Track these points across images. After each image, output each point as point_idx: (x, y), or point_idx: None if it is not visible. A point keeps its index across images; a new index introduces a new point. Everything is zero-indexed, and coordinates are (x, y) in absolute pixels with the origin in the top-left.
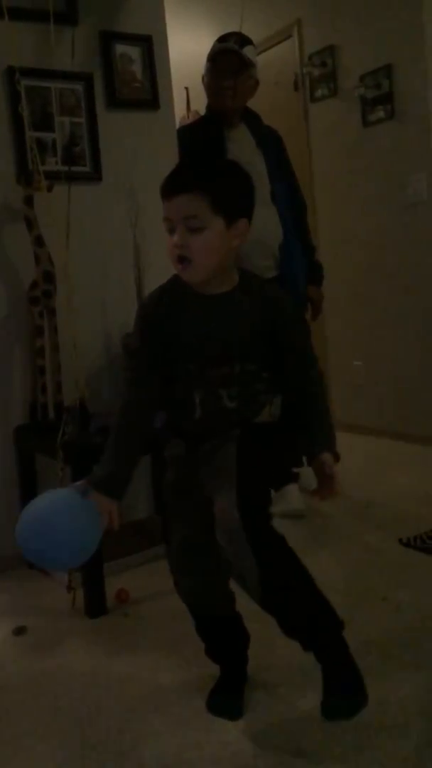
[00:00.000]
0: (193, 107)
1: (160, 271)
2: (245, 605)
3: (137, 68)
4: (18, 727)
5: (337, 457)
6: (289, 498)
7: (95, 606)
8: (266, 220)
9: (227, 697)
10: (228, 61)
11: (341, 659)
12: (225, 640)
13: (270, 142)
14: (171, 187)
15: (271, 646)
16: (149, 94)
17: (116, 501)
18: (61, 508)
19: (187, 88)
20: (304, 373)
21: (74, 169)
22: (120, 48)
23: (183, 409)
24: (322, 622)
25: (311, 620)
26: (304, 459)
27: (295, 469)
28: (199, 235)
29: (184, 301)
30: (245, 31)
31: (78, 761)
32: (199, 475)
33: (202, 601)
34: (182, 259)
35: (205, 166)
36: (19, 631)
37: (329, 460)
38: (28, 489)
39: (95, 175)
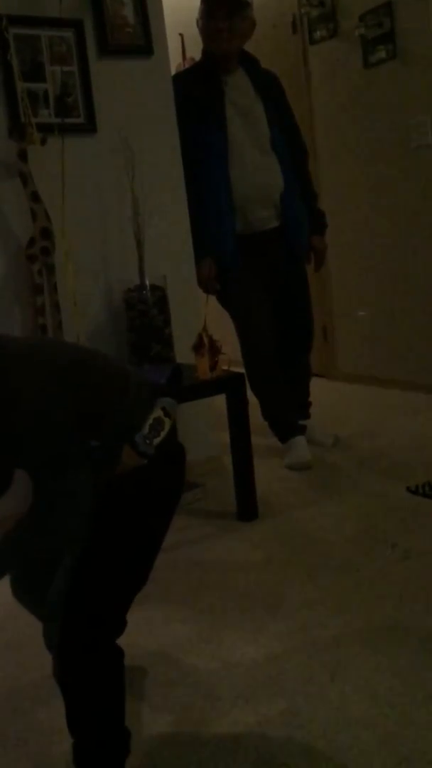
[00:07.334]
0: (188, 55)
1: (159, 223)
2: None
3: (128, 12)
4: (32, 679)
5: None
6: (297, 450)
7: None
8: (266, 168)
9: None
10: (222, 1)
11: None
12: None
13: (269, 87)
14: None
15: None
16: (142, 40)
17: None
18: None
19: (181, 35)
20: None
21: (68, 120)
22: None
23: None
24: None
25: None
26: (310, 411)
27: (302, 421)
28: None
29: None
30: None
31: None
32: None
33: None
34: None
35: None
36: None
37: None
38: None
39: (90, 127)
